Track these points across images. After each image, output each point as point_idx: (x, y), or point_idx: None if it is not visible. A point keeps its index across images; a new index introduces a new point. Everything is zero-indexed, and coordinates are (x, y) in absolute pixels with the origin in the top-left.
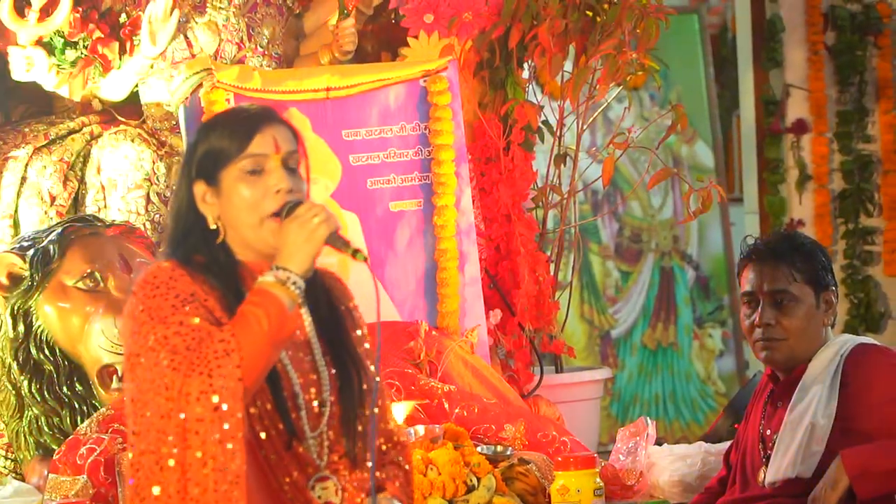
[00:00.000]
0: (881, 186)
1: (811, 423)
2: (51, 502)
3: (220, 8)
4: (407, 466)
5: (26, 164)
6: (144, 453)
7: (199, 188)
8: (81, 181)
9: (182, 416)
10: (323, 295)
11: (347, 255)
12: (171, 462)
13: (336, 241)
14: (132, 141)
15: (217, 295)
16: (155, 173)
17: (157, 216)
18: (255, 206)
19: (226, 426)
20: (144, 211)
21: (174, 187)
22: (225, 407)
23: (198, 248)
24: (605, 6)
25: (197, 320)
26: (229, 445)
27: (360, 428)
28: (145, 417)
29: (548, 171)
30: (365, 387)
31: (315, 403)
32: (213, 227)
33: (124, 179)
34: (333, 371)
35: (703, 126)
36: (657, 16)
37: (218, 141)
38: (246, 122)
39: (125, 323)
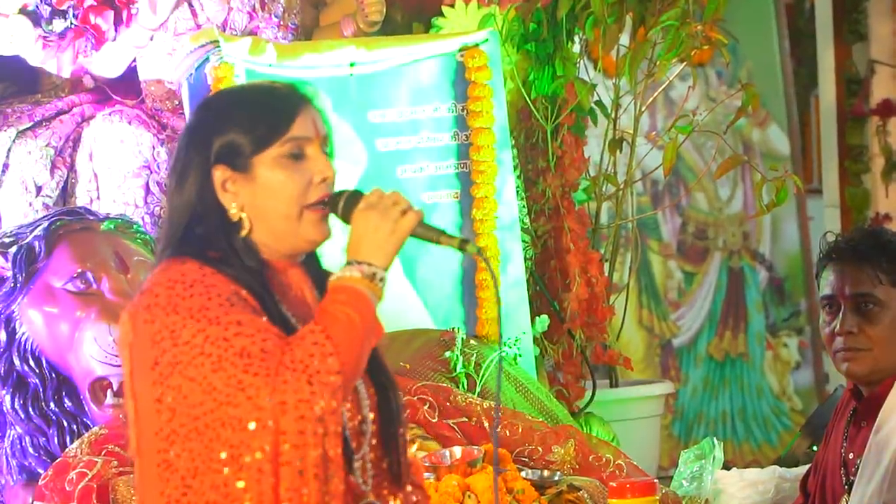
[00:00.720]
0: None
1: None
2: None
3: None
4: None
5: (8, 150)
6: (200, 472)
7: (220, 174)
8: (71, 169)
9: (270, 423)
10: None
11: (451, 247)
12: (241, 484)
13: (428, 231)
14: (129, 123)
15: (253, 295)
16: (155, 160)
17: (158, 208)
18: (296, 195)
19: (327, 439)
20: (143, 203)
21: (176, 172)
22: (326, 417)
23: (211, 242)
24: None
25: (265, 319)
26: (331, 453)
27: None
28: (196, 431)
29: (601, 157)
30: (400, 402)
31: (357, 422)
32: (235, 218)
33: (120, 167)
34: (372, 388)
35: (776, 108)
36: None
37: (251, 120)
38: (286, 100)
39: (142, 329)
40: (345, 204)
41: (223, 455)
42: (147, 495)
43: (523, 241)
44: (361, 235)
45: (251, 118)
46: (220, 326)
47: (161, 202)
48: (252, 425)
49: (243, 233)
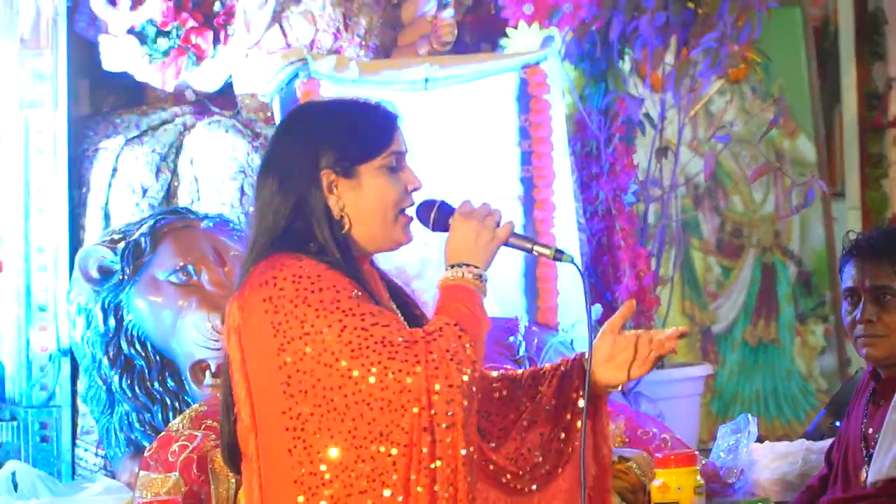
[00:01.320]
0: None
1: None
2: (141, 500)
3: None
4: None
5: (117, 156)
6: (345, 449)
7: (327, 177)
8: (174, 173)
9: (415, 409)
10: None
11: (545, 256)
12: (394, 451)
13: (521, 241)
14: (226, 132)
15: (363, 288)
16: (249, 165)
17: (252, 208)
18: (393, 202)
19: (471, 416)
20: (239, 203)
21: (278, 173)
22: (471, 396)
23: (314, 236)
24: None
25: (396, 310)
26: (471, 449)
27: None
28: (336, 413)
29: (649, 164)
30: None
31: None
32: (337, 217)
33: (218, 171)
34: None
35: (805, 120)
36: (759, 8)
37: (359, 133)
38: (387, 117)
39: (260, 317)
40: (437, 214)
41: (375, 432)
42: (273, 472)
43: (579, 238)
44: (463, 241)
45: (359, 131)
46: (356, 318)
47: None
48: (408, 408)
49: (343, 231)
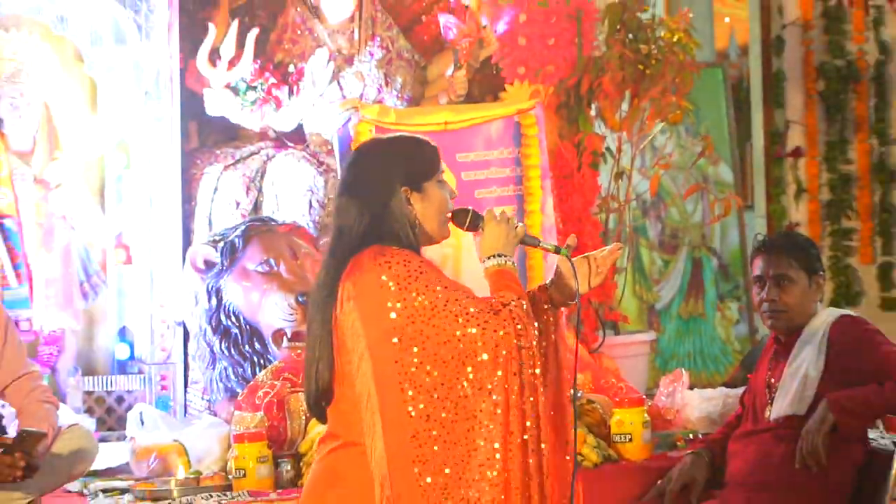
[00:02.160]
0: (857, 198)
1: (805, 374)
2: (235, 432)
3: (364, 61)
4: None
5: (218, 178)
6: (443, 388)
7: (405, 192)
8: (260, 191)
9: (503, 352)
10: None
11: (548, 251)
12: (476, 394)
13: (531, 239)
14: (298, 161)
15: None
16: (315, 185)
17: (317, 217)
18: (444, 207)
19: (528, 358)
20: (308, 213)
21: (367, 189)
22: (529, 345)
23: (399, 234)
24: (653, 62)
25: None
26: (531, 363)
27: None
28: (440, 360)
29: (609, 185)
30: None
31: None
32: (413, 220)
33: (292, 190)
34: None
35: (724, 152)
36: (691, 69)
37: (423, 160)
38: (434, 148)
39: (373, 290)
40: (471, 218)
41: (466, 374)
42: (388, 405)
43: (556, 239)
44: (497, 239)
45: (421, 158)
46: (454, 291)
47: (318, 213)
48: (485, 356)
49: (416, 231)
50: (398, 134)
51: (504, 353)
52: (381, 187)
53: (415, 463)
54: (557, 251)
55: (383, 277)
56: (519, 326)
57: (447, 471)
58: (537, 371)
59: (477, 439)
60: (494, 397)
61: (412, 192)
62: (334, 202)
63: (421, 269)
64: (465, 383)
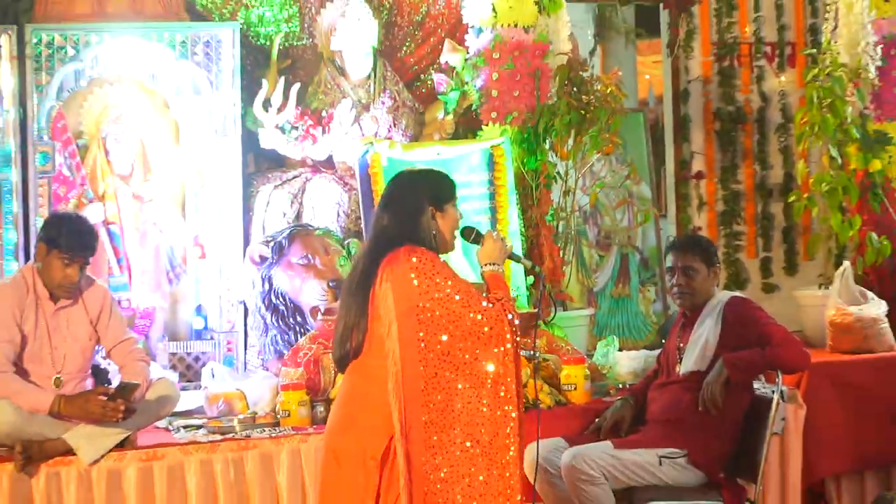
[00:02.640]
0: (745, 209)
1: (705, 340)
2: (283, 383)
3: (378, 108)
4: None
5: (269, 195)
6: (453, 351)
7: (431, 210)
8: (301, 204)
9: (496, 326)
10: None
11: (526, 266)
12: (493, 365)
13: (515, 256)
14: (328, 182)
15: None
16: (342, 200)
17: (343, 224)
18: (455, 225)
19: (514, 333)
20: (336, 221)
21: (402, 207)
22: (514, 324)
23: (425, 240)
24: (592, 108)
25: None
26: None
27: None
28: (449, 333)
29: (559, 199)
30: None
31: None
32: (434, 232)
33: (325, 204)
34: None
35: (645, 175)
36: (620, 114)
37: (447, 186)
38: (451, 178)
39: (405, 280)
40: (475, 235)
41: (468, 346)
42: (407, 360)
43: (521, 241)
44: (493, 252)
45: (446, 187)
46: (464, 284)
47: (345, 222)
48: (486, 329)
49: (435, 240)
50: (428, 168)
51: (501, 331)
52: (415, 205)
53: (423, 407)
54: (533, 268)
55: (412, 268)
56: (510, 315)
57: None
58: (517, 341)
59: (471, 394)
60: (490, 367)
61: (436, 211)
62: (375, 213)
63: (439, 265)
64: (467, 354)
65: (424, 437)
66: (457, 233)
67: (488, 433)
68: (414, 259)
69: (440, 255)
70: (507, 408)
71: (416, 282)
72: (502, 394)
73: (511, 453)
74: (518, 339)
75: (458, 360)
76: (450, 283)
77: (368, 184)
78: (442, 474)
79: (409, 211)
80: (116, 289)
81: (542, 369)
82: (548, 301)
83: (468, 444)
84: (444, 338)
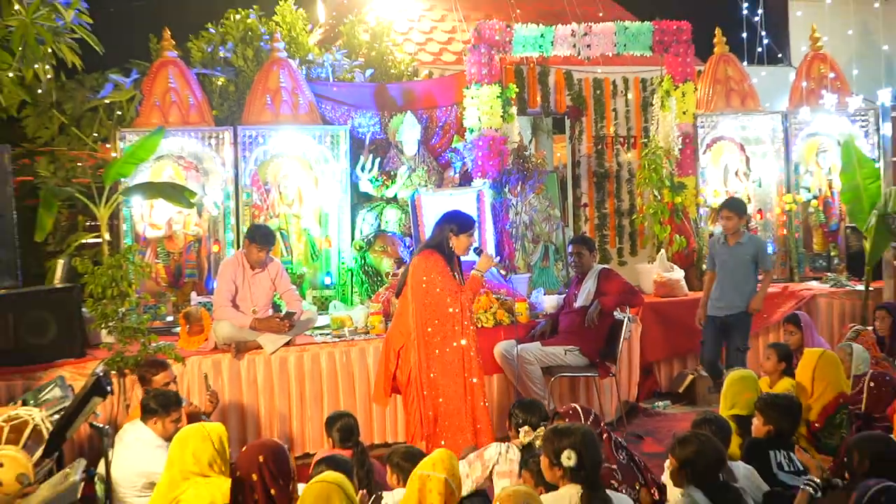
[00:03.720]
0: (609, 222)
1: (588, 290)
2: (371, 311)
3: (420, 170)
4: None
5: (364, 214)
6: (439, 319)
7: (449, 234)
8: (380, 219)
9: (460, 305)
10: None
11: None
12: (454, 328)
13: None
14: (395, 210)
15: (450, 268)
16: (401, 220)
17: (401, 232)
18: (463, 248)
19: (469, 311)
20: (398, 230)
21: (435, 232)
22: (471, 306)
23: (444, 249)
24: (529, 170)
25: (456, 277)
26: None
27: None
28: (437, 308)
29: (513, 217)
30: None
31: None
32: (450, 245)
33: (392, 219)
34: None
35: (557, 204)
36: (544, 173)
37: (464, 225)
38: (473, 221)
39: (420, 269)
40: (478, 251)
41: (447, 312)
42: (418, 323)
43: (492, 237)
44: (482, 264)
45: (462, 224)
46: (447, 277)
47: (402, 230)
48: (452, 309)
49: (451, 249)
50: (457, 212)
51: (461, 312)
52: (441, 230)
53: (423, 327)
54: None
55: (423, 262)
56: (468, 298)
57: (437, 351)
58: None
59: (451, 338)
60: (456, 326)
61: (453, 235)
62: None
63: (434, 264)
64: (449, 322)
65: (425, 342)
66: (471, 249)
67: (452, 352)
68: (423, 258)
69: (454, 257)
70: (462, 342)
71: (421, 270)
72: (457, 327)
73: (456, 343)
74: (472, 318)
75: (438, 313)
76: (438, 277)
77: (415, 210)
78: (432, 375)
79: (437, 232)
80: (285, 263)
81: (504, 305)
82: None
83: (447, 349)
84: (428, 301)
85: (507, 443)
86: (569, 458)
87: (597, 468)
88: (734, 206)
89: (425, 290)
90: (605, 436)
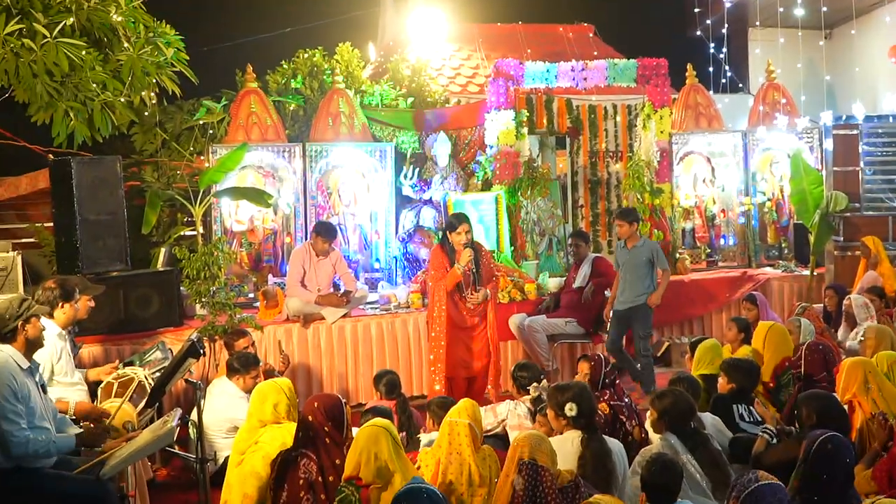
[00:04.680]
0: (601, 220)
1: (584, 273)
2: (411, 289)
3: (450, 179)
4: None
5: (405, 214)
6: (435, 286)
7: (448, 232)
8: (418, 217)
9: (441, 282)
10: (477, 251)
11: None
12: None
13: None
14: (431, 210)
15: (447, 256)
16: (436, 218)
17: (436, 225)
18: (459, 241)
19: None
20: (433, 226)
21: (441, 232)
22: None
23: (445, 245)
24: (536, 179)
25: (457, 267)
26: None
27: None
28: (436, 282)
29: (524, 215)
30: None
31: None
32: (450, 241)
33: (428, 217)
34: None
35: (559, 206)
36: (549, 180)
37: (451, 225)
38: (461, 220)
39: (431, 255)
40: (470, 247)
41: (439, 288)
42: (429, 299)
43: (509, 232)
44: (463, 259)
45: (451, 224)
46: (436, 267)
47: (437, 225)
48: (430, 292)
49: (451, 243)
50: (454, 215)
51: (436, 295)
52: (447, 227)
53: (434, 288)
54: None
55: (432, 251)
56: (442, 286)
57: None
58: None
59: (440, 302)
60: (437, 296)
61: (449, 233)
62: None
63: (435, 257)
64: (441, 291)
65: (429, 308)
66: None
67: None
68: (432, 251)
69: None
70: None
71: (429, 258)
72: (434, 313)
73: (435, 313)
74: (442, 298)
75: (430, 289)
76: (431, 267)
77: (446, 210)
78: (435, 312)
79: (443, 232)
80: (343, 252)
81: (516, 285)
82: (518, 259)
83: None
84: (430, 280)
85: (514, 400)
86: (570, 409)
87: (592, 416)
88: (623, 216)
89: (428, 273)
90: (616, 381)
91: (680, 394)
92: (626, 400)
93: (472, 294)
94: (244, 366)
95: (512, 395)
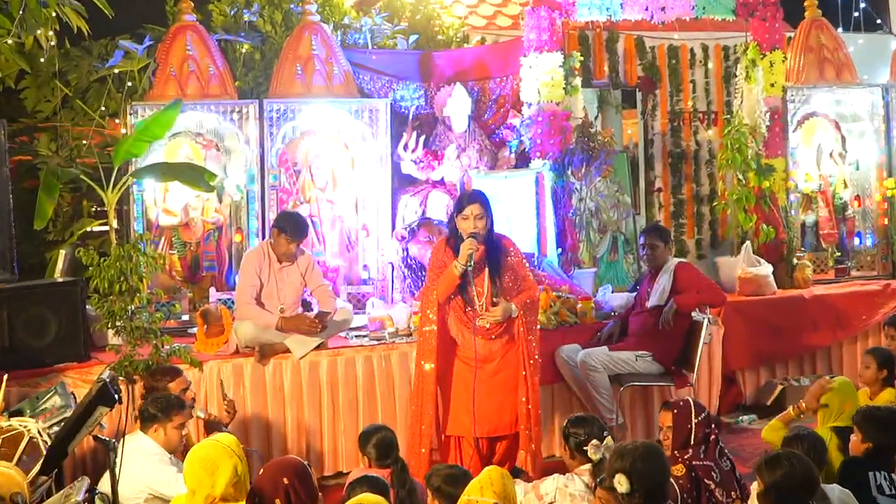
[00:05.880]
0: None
1: (663, 287)
2: (414, 310)
3: (471, 149)
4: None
5: (406, 201)
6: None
7: (457, 218)
8: (425, 206)
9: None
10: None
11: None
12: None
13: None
14: (441, 193)
15: (452, 251)
16: (449, 205)
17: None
18: (466, 227)
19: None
20: (444, 216)
21: (451, 217)
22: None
23: (452, 233)
24: (596, 150)
25: (446, 261)
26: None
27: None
28: (435, 275)
29: (576, 203)
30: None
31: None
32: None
33: (439, 206)
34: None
35: (627, 189)
36: (613, 153)
37: (457, 205)
38: (468, 203)
39: (434, 249)
40: (474, 237)
41: (432, 289)
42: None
43: (554, 226)
44: (462, 253)
45: (457, 205)
46: (433, 267)
47: (447, 217)
48: (425, 294)
49: (458, 233)
50: (469, 192)
51: (426, 297)
52: (454, 210)
53: (429, 331)
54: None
55: (436, 245)
56: (433, 290)
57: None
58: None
59: (432, 294)
60: (434, 294)
61: (456, 217)
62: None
63: (435, 253)
64: (431, 302)
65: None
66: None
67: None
68: (438, 242)
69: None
70: (427, 312)
71: (432, 251)
72: (427, 313)
73: (426, 329)
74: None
75: (432, 285)
76: (429, 269)
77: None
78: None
79: (450, 218)
80: (317, 255)
81: (566, 304)
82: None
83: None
84: (435, 280)
85: (566, 474)
86: (619, 484)
87: (653, 491)
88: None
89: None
90: (712, 437)
91: (796, 460)
92: (726, 462)
93: (486, 309)
94: (163, 410)
95: (563, 464)
